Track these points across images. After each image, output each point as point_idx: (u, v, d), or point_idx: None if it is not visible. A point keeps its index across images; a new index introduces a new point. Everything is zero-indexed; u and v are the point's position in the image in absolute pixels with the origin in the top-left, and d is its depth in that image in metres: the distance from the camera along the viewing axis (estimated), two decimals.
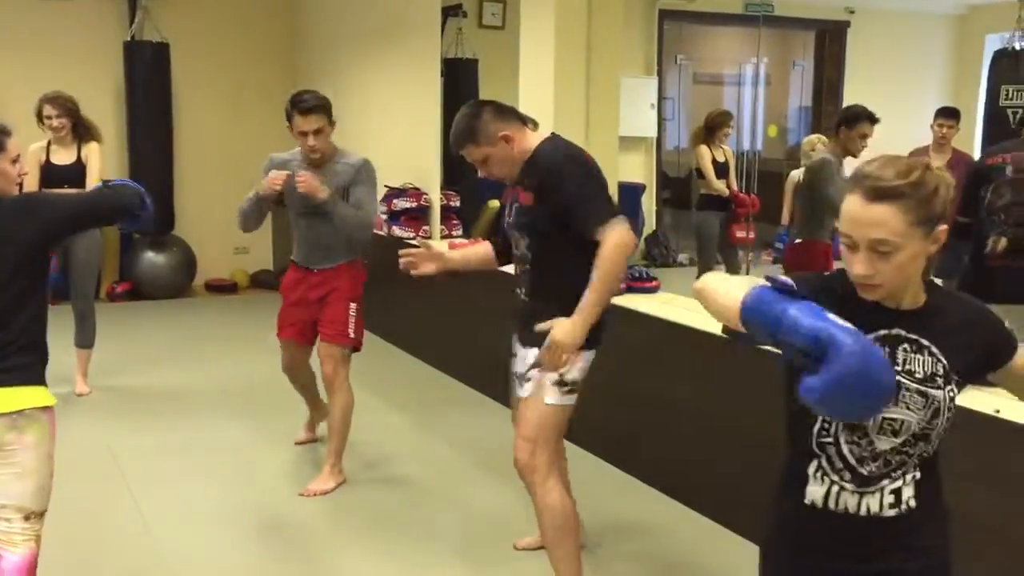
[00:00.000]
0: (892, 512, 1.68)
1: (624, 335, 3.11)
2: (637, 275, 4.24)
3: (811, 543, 1.74)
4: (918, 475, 1.68)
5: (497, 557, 3.41)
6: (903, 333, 1.63)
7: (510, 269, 3.04)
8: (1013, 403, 2.67)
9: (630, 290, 4.09)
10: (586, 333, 2.69)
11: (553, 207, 2.73)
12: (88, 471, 4.15)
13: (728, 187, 6.48)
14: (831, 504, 1.69)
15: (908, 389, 1.61)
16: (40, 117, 4.95)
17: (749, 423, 3.46)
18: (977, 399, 2.68)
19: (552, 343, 2.67)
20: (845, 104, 9.07)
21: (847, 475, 1.67)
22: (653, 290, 4.22)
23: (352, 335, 3.93)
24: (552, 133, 2.95)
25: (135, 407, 5.04)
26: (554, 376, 2.78)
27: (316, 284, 3.97)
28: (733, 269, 6.32)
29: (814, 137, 6.63)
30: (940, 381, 1.62)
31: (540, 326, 2.71)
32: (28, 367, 2.40)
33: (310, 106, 3.75)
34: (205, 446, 4.49)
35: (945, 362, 1.63)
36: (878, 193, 1.55)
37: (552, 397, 2.80)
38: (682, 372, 3.79)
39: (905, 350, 1.63)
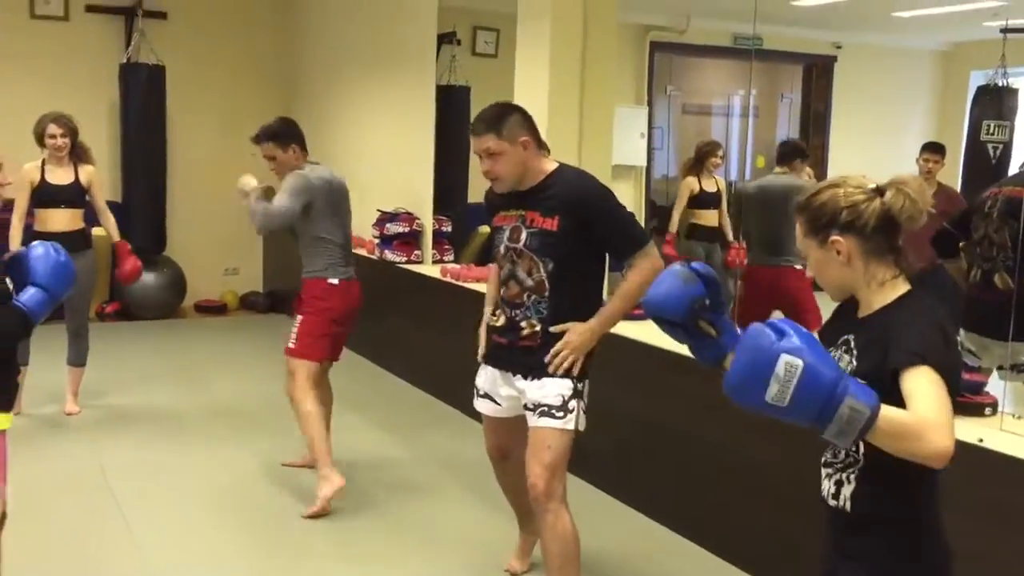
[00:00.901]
0: (833, 503, 1.83)
1: (616, 362, 3.15)
2: None
3: None
4: (854, 475, 1.78)
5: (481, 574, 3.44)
6: (849, 337, 1.81)
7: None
8: (995, 432, 2.74)
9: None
10: (599, 339, 2.86)
11: (585, 230, 2.83)
12: (78, 489, 4.16)
13: (719, 221, 6.58)
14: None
15: None
16: (42, 136, 4.96)
17: (743, 451, 3.50)
18: (961, 428, 2.73)
19: (568, 346, 2.82)
20: (832, 137, 9.27)
21: (826, 449, 1.87)
22: (640, 317, 4.26)
23: (291, 344, 4.03)
24: (560, 163, 3.00)
25: (126, 427, 5.04)
26: (583, 404, 2.87)
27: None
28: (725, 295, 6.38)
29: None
30: None
31: (555, 328, 2.83)
32: None
33: (257, 137, 4.08)
34: (196, 466, 4.50)
35: (855, 363, 1.75)
36: (794, 211, 1.89)
37: (583, 423, 2.89)
38: (674, 399, 3.84)
39: (843, 351, 1.80)
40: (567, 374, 2.86)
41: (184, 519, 3.91)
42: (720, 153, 6.65)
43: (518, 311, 2.91)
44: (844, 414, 1.51)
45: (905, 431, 1.55)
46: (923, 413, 1.57)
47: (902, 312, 1.76)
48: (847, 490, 1.79)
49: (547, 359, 2.83)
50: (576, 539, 2.91)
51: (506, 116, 2.87)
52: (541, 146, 2.93)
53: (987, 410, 2.87)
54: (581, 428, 2.90)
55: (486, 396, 3.10)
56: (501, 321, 2.96)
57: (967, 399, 2.85)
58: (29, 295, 2.37)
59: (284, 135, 4.04)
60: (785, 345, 1.52)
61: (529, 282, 2.88)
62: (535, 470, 2.86)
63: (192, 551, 3.63)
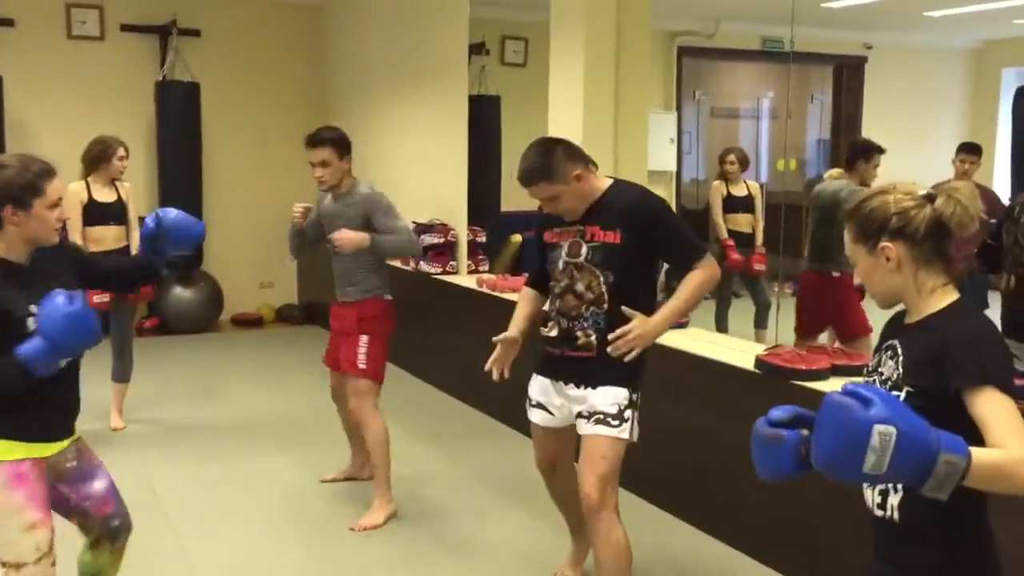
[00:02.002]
0: (879, 513, 1.82)
1: (660, 372, 3.16)
2: None
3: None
4: (900, 484, 1.75)
5: None
6: (895, 342, 1.82)
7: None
8: None
9: None
10: (661, 334, 2.92)
11: (645, 240, 2.89)
12: (128, 503, 4.19)
13: (752, 226, 6.54)
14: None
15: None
16: (104, 156, 5.07)
17: None
18: None
19: (634, 331, 2.85)
20: (864, 137, 9.19)
21: None
22: (683, 325, 4.27)
23: (363, 365, 4.00)
24: (615, 178, 3.06)
25: (171, 441, 5.11)
26: (638, 414, 2.91)
27: (338, 316, 4.14)
28: (761, 303, 6.35)
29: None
30: (890, 385, 1.78)
31: (626, 310, 2.88)
32: None
33: (315, 139, 3.93)
34: (242, 479, 4.55)
35: (900, 371, 1.76)
36: (843, 218, 1.89)
37: (636, 434, 2.93)
38: (720, 408, 3.83)
39: (888, 356, 1.82)
40: (623, 383, 2.88)
41: (234, 533, 3.95)
42: (731, 158, 6.59)
43: (575, 322, 2.94)
44: (941, 470, 1.51)
45: (997, 473, 1.56)
46: (1010, 449, 1.58)
47: (958, 326, 1.74)
48: (894, 499, 1.78)
49: (611, 337, 2.87)
50: (628, 550, 2.92)
51: (552, 157, 2.87)
52: (589, 163, 2.96)
53: None
54: (634, 439, 2.92)
55: (539, 406, 3.12)
56: (554, 332, 2.98)
57: (1021, 404, 2.83)
58: (30, 344, 2.27)
59: (344, 144, 3.97)
60: (875, 415, 1.49)
61: (589, 295, 2.91)
62: (589, 480, 2.87)
63: (243, 566, 3.68)
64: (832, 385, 3.29)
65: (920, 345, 1.75)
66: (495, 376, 3.11)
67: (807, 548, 3.42)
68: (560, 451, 3.18)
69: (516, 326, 3.15)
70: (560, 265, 2.96)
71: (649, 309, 2.97)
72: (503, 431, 5.26)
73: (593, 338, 2.91)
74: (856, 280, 1.74)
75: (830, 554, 3.30)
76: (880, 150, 5.10)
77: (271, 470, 4.67)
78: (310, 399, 5.61)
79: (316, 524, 4.05)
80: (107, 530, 2.68)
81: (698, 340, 4.13)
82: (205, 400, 5.95)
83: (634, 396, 2.90)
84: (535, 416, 3.14)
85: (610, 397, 2.88)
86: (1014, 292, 3.75)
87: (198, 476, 4.59)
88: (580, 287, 2.92)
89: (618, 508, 2.94)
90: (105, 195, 5.09)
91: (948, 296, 1.79)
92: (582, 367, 2.93)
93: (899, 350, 1.79)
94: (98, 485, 2.67)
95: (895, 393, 1.74)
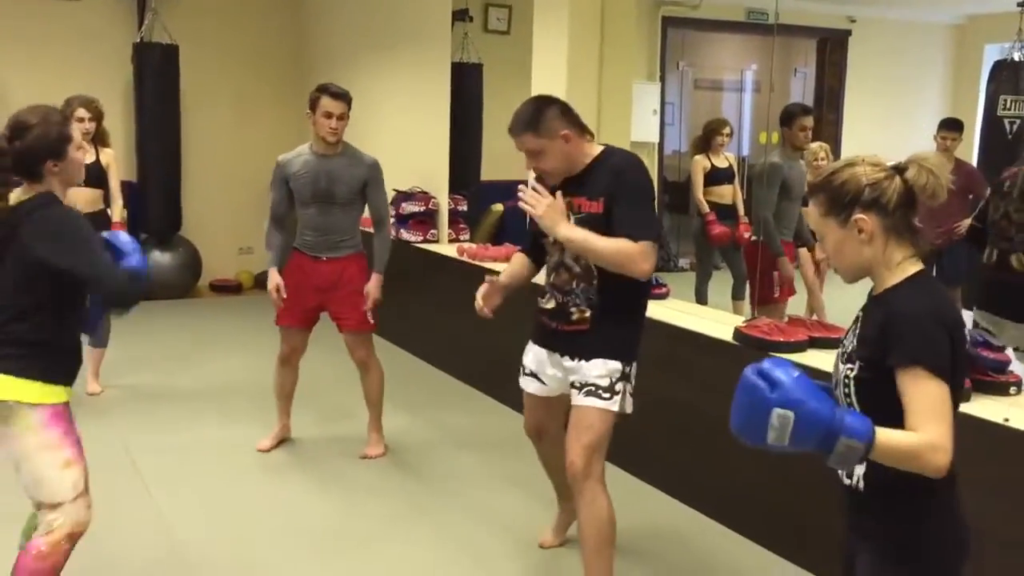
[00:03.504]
0: (847, 481, 1.85)
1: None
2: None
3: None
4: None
5: (513, 555, 3.47)
6: (860, 313, 1.86)
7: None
8: (1019, 412, 2.74)
9: None
10: (559, 229, 2.77)
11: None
12: (104, 468, 4.14)
13: (733, 198, 6.54)
14: None
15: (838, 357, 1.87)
16: (68, 118, 4.96)
17: None
18: (986, 407, 2.75)
19: (547, 200, 2.78)
20: (846, 112, 9.21)
21: None
22: (663, 296, 4.28)
23: (372, 321, 4.28)
24: (607, 145, 2.98)
25: (147, 406, 5.09)
26: (631, 386, 2.89)
27: (325, 273, 4.19)
28: (739, 274, 6.36)
29: (815, 145, 6.67)
30: (845, 357, 1.83)
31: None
32: (15, 358, 2.41)
33: (340, 92, 4.19)
34: (218, 443, 4.55)
35: (855, 342, 1.80)
36: (808, 192, 1.83)
37: (630, 406, 2.91)
38: (691, 378, 3.85)
39: (852, 326, 1.86)
40: (616, 355, 2.85)
41: (210, 497, 3.96)
42: (726, 131, 6.57)
43: (568, 298, 2.91)
44: (841, 450, 1.62)
45: (902, 456, 1.66)
46: (919, 435, 1.65)
47: (905, 300, 1.75)
48: (859, 469, 1.79)
49: (602, 368, 2.86)
50: (612, 521, 2.92)
51: (542, 112, 2.84)
52: (584, 131, 2.90)
53: (1012, 389, 2.87)
54: (628, 411, 2.91)
55: (532, 375, 3.12)
56: (551, 305, 2.96)
57: (992, 378, 2.86)
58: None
59: (351, 103, 4.22)
60: (775, 398, 1.62)
61: (577, 269, 2.87)
62: (575, 448, 2.87)
63: (220, 527, 3.69)
64: (810, 357, 3.31)
65: (874, 318, 1.77)
66: (484, 313, 3.09)
67: (787, 519, 3.46)
68: (549, 419, 3.19)
69: (505, 277, 3.18)
70: (552, 239, 2.90)
71: (641, 285, 2.86)
72: (480, 398, 5.28)
73: (588, 314, 2.87)
74: (819, 255, 1.77)
75: (809, 526, 3.33)
76: (806, 111, 5.19)
77: (246, 436, 4.65)
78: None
79: (291, 490, 4.06)
80: None
81: (678, 311, 4.14)
82: (182, 366, 5.92)
83: (627, 369, 2.88)
84: (527, 385, 3.15)
85: (603, 369, 2.85)
86: (995, 266, 3.78)
87: (174, 441, 4.58)
88: (569, 261, 2.88)
89: (604, 478, 2.94)
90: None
91: (911, 268, 1.80)
92: (576, 340, 2.91)
93: (858, 322, 1.83)
94: None
95: (849, 365, 1.78)
